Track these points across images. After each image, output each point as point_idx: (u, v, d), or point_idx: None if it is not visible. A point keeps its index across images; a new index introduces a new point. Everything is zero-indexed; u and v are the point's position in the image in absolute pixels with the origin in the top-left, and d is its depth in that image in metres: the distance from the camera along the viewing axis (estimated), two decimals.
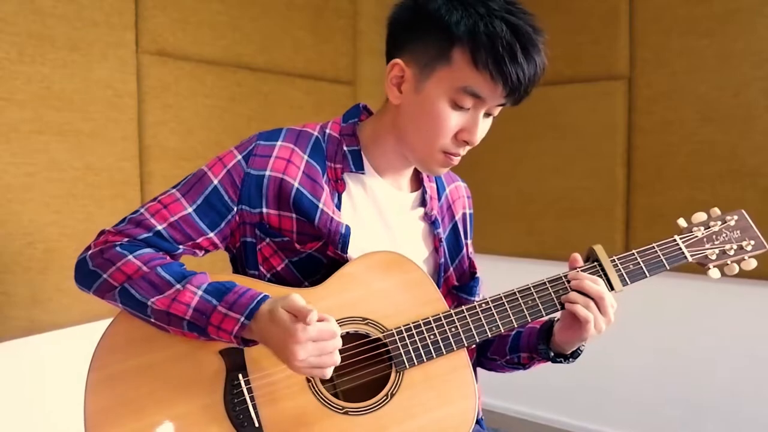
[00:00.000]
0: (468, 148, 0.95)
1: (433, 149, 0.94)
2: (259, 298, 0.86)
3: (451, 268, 1.10)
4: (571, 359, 1.04)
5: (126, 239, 0.91)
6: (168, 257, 0.93)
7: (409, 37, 0.92)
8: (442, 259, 1.07)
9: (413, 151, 0.97)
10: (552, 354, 1.03)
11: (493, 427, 2.49)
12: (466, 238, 1.13)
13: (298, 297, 0.81)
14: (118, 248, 0.90)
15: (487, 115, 0.94)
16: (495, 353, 1.12)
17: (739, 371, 2.05)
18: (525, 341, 1.08)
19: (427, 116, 0.91)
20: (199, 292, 0.87)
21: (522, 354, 1.08)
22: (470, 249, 1.14)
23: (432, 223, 1.06)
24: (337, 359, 0.82)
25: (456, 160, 0.96)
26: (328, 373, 0.82)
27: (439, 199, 1.09)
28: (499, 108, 0.94)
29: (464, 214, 1.14)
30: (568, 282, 0.97)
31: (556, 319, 1.02)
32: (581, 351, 1.05)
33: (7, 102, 1.42)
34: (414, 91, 0.92)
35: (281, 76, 2.03)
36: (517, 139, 2.43)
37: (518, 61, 0.85)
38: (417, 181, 1.08)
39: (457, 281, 1.10)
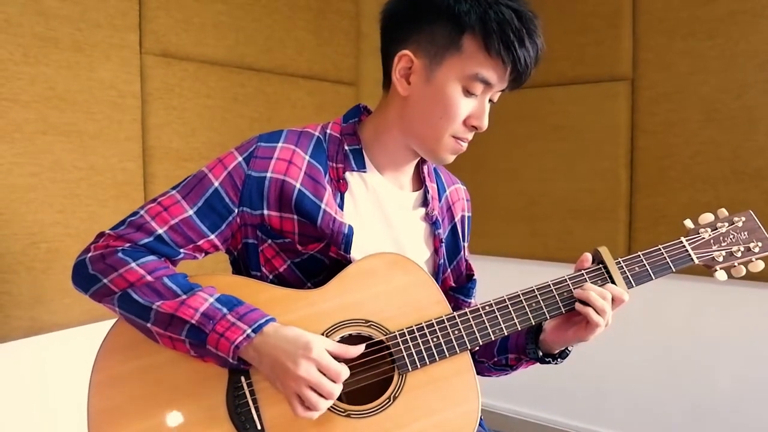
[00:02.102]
0: (471, 136, 0.97)
1: (443, 136, 0.95)
2: (269, 317, 0.88)
3: (449, 270, 1.10)
4: (559, 359, 1.04)
5: (128, 244, 0.91)
6: (170, 265, 0.93)
7: (413, 28, 0.93)
8: (442, 260, 1.08)
9: (422, 141, 0.97)
10: (541, 354, 1.03)
11: (495, 428, 2.49)
12: (463, 240, 1.13)
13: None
14: (120, 254, 0.90)
15: (489, 101, 0.96)
16: (483, 356, 1.13)
17: (741, 373, 2.05)
18: (513, 342, 1.08)
19: (438, 104, 0.93)
20: (211, 299, 0.88)
21: (510, 355, 1.08)
22: (466, 251, 1.15)
23: (433, 223, 1.06)
24: (324, 405, 0.85)
25: (465, 146, 0.97)
26: (312, 408, 0.84)
27: (440, 199, 1.10)
28: (500, 94, 0.97)
29: (463, 217, 1.14)
30: (573, 284, 0.97)
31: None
32: (569, 351, 1.05)
33: (12, 103, 1.43)
34: (424, 81, 0.93)
35: (284, 77, 2.03)
36: (520, 141, 2.42)
37: (526, 45, 0.89)
38: (418, 181, 1.08)
39: (454, 282, 1.11)
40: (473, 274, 1.13)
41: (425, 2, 0.91)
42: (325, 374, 0.84)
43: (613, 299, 0.96)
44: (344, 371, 0.86)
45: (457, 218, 1.12)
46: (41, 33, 1.46)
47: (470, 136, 0.97)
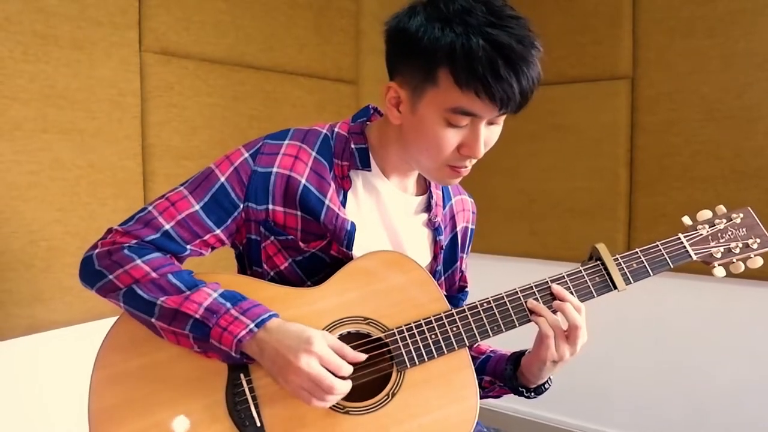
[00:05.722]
0: (474, 160, 0.93)
1: (438, 164, 0.93)
2: (272, 312, 0.89)
3: (443, 278, 1.10)
4: (533, 393, 1.04)
5: (134, 241, 0.92)
6: (176, 262, 0.94)
7: (398, 58, 0.91)
8: (439, 267, 1.08)
9: (420, 165, 0.97)
10: (517, 382, 1.03)
11: (494, 426, 2.50)
12: (462, 251, 1.13)
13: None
14: (126, 251, 0.90)
15: (491, 123, 0.90)
16: None
17: (741, 372, 2.05)
18: (492, 364, 1.08)
19: (425, 136, 0.90)
20: (215, 294, 0.89)
21: (485, 377, 1.08)
22: (464, 263, 1.14)
23: (435, 229, 1.06)
24: (331, 398, 0.84)
25: (465, 171, 0.94)
26: (319, 400, 0.84)
27: (444, 207, 1.09)
28: (502, 117, 0.91)
29: (465, 228, 1.14)
30: (570, 281, 0.97)
31: (529, 350, 1.02)
32: (546, 388, 1.04)
33: (11, 100, 1.43)
34: (410, 112, 0.91)
35: (284, 75, 2.03)
36: (519, 139, 2.42)
37: (502, 76, 0.81)
38: (424, 185, 1.08)
39: (445, 292, 1.10)
40: (466, 286, 1.13)
41: (404, 33, 0.87)
42: (326, 368, 0.85)
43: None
44: (346, 366, 0.86)
45: (459, 228, 1.11)
46: (41, 31, 1.46)
47: (468, 163, 0.93)
